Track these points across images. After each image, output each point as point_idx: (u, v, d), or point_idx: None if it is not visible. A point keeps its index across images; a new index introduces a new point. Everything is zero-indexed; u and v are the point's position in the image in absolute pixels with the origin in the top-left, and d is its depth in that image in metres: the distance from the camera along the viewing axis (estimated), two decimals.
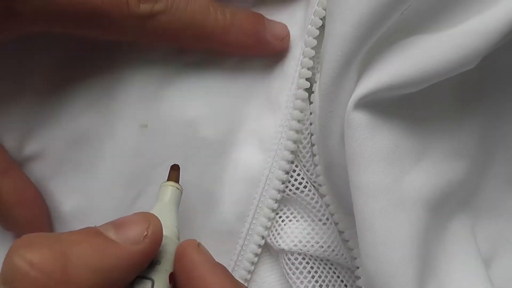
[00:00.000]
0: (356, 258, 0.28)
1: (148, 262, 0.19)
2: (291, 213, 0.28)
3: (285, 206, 0.28)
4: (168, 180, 0.25)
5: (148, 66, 0.27)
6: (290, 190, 0.28)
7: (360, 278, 0.28)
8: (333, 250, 0.28)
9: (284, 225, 0.28)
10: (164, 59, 0.27)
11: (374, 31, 0.21)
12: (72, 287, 0.17)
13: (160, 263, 0.20)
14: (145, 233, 0.19)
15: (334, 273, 0.28)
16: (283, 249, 0.27)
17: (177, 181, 0.25)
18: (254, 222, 0.28)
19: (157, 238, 0.19)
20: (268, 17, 0.27)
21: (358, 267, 0.28)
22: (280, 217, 0.28)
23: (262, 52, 0.27)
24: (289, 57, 0.27)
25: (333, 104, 0.22)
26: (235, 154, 0.28)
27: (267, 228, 0.28)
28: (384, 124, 0.22)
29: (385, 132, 0.22)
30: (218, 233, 0.28)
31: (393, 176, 0.22)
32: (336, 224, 0.28)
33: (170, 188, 0.24)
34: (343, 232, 0.28)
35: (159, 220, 0.20)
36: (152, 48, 0.27)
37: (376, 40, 0.21)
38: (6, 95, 0.28)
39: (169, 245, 0.21)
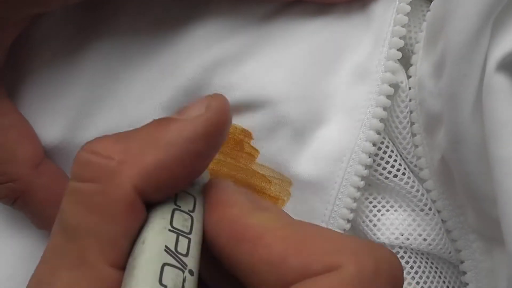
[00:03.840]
0: (461, 251, 0.25)
1: (216, 136, 0.17)
2: (387, 202, 0.25)
3: (378, 194, 0.25)
4: None
5: (226, 36, 0.24)
6: (386, 177, 0.24)
7: (466, 273, 0.25)
8: (438, 244, 0.24)
9: (381, 215, 0.25)
10: (242, 29, 0.24)
11: None
12: (136, 165, 0.15)
13: (199, 184, 0.18)
14: (208, 105, 0.17)
15: (438, 268, 0.25)
16: (383, 243, 0.24)
17: None
18: (337, 203, 0.24)
19: (222, 108, 0.17)
20: None
21: (462, 261, 0.25)
22: (374, 206, 0.25)
23: None
24: (379, 22, 0.24)
25: (468, 67, 0.19)
26: (321, 132, 0.24)
27: (352, 210, 0.24)
28: None
29: None
30: (297, 216, 0.24)
31: None
32: (439, 212, 0.25)
33: None
34: (446, 222, 0.25)
35: (222, 95, 0.18)
36: (230, 16, 0.24)
37: None
38: (59, 75, 0.24)
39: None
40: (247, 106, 0.24)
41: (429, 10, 0.24)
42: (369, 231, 0.25)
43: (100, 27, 0.25)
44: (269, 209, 0.17)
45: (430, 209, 0.25)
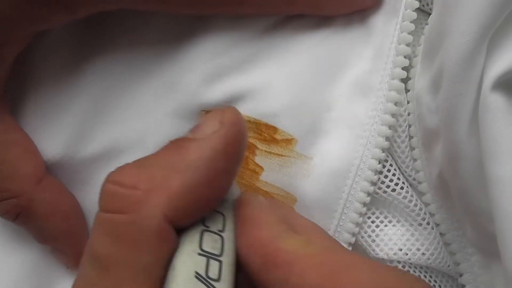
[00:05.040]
0: (460, 264, 0.25)
1: (237, 150, 0.17)
2: (385, 217, 0.25)
3: (377, 209, 0.25)
4: None
5: (228, 49, 0.24)
6: (385, 192, 0.24)
7: (465, 286, 0.25)
8: (436, 258, 0.24)
9: (380, 230, 0.25)
10: (242, 43, 0.24)
11: None
12: (162, 192, 0.15)
13: (228, 201, 0.18)
14: (221, 119, 0.16)
15: (436, 281, 0.25)
16: (382, 259, 0.24)
17: None
18: (343, 218, 0.24)
19: (236, 120, 0.17)
20: None
21: (461, 274, 0.25)
22: (373, 221, 0.25)
23: (353, 6, 0.24)
24: (380, 35, 0.24)
25: (464, 86, 0.19)
26: (321, 145, 0.24)
27: (357, 225, 0.24)
28: None
29: None
30: None
31: None
32: (437, 225, 0.25)
33: None
34: (444, 235, 0.25)
35: (233, 107, 0.18)
36: (232, 30, 0.24)
37: None
38: (60, 90, 0.25)
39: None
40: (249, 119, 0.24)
41: (427, 24, 0.24)
42: (367, 247, 0.25)
43: (102, 42, 0.25)
44: (303, 230, 0.17)
45: (428, 223, 0.25)
